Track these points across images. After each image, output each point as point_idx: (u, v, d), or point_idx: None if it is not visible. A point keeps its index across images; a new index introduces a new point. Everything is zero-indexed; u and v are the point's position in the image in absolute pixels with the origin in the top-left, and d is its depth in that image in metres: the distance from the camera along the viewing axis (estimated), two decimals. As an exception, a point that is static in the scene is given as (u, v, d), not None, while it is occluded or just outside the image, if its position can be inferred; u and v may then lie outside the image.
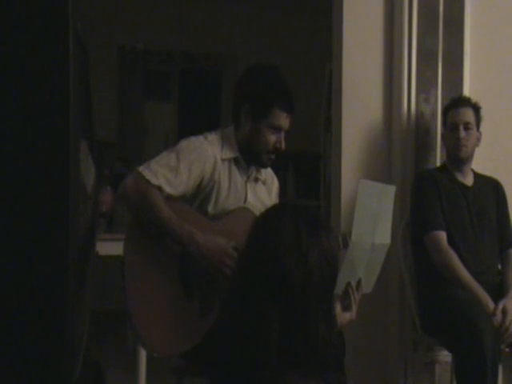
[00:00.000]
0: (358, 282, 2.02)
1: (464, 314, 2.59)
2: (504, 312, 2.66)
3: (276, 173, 2.61)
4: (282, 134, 2.34)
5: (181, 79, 6.33)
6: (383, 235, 2.16)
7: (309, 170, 5.93)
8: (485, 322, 2.54)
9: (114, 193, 3.37)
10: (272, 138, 2.32)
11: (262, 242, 1.37)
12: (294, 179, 6.17)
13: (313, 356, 1.34)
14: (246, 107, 2.33)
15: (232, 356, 1.37)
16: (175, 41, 5.96)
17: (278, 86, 2.34)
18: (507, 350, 2.70)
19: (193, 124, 6.13)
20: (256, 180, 2.46)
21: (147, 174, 2.17)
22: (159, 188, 2.17)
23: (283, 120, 2.32)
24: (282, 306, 1.32)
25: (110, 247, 2.95)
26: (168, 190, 2.19)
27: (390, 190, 2.22)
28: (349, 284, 1.98)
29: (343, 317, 1.93)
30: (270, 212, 1.49)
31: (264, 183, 2.50)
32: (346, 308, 1.96)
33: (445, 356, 3.12)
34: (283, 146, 2.34)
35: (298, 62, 5.74)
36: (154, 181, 2.17)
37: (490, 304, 2.68)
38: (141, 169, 2.19)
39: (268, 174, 2.54)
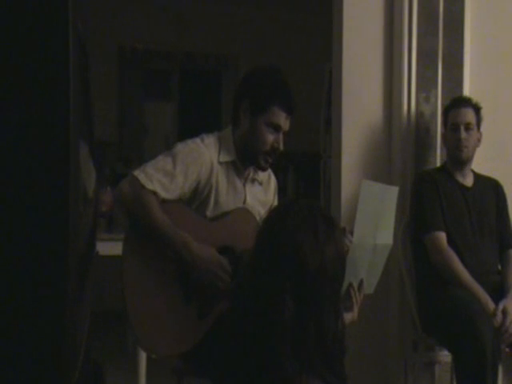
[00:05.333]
0: (360, 283, 2.02)
1: (464, 314, 2.59)
2: (504, 313, 2.66)
3: (276, 173, 2.59)
4: (281, 136, 2.29)
5: (181, 79, 6.34)
6: (385, 236, 2.16)
7: (309, 170, 5.93)
8: (485, 322, 2.54)
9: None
10: (270, 137, 2.26)
11: (280, 233, 1.37)
12: (294, 179, 6.17)
13: (320, 352, 1.34)
14: (245, 104, 2.29)
15: (244, 345, 1.37)
16: (175, 41, 5.97)
17: (279, 85, 2.30)
18: (507, 349, 2.70)
19: (193, 124, 6.14)
20: (253, 181, 2.43)
21: (142, 179, 2.14)
22: (154, 193, 2.15)
23: (282, 120, 2.27)
24: (295, 297, 1.32)
25: (110, 247, 2.95)
26: (163, 194, 2.16)
27: (393, 191, 2.21)
28: (350, 285, 1.98)
29: (345, 317, 1.92)
30: (286, 205, 1.48)
31: (261, 183, 2.47)
32: (348, 309, 1.96)
33: (445, 356, 3.12)
34: (281, 146, 2.29)
35: (298, 62, 5.74)
36: (148, 185, 2.14)
37: (490, 304, 2.68)
38: (136, 173, 2.16)
39: (265, 173, 2.50)
